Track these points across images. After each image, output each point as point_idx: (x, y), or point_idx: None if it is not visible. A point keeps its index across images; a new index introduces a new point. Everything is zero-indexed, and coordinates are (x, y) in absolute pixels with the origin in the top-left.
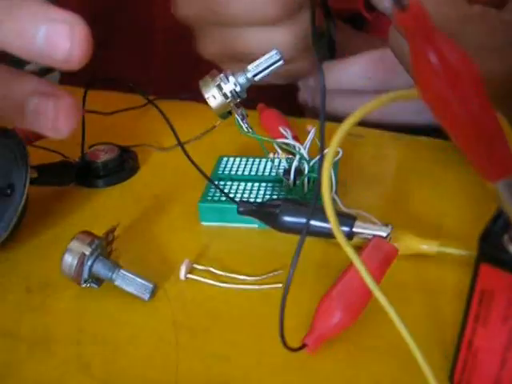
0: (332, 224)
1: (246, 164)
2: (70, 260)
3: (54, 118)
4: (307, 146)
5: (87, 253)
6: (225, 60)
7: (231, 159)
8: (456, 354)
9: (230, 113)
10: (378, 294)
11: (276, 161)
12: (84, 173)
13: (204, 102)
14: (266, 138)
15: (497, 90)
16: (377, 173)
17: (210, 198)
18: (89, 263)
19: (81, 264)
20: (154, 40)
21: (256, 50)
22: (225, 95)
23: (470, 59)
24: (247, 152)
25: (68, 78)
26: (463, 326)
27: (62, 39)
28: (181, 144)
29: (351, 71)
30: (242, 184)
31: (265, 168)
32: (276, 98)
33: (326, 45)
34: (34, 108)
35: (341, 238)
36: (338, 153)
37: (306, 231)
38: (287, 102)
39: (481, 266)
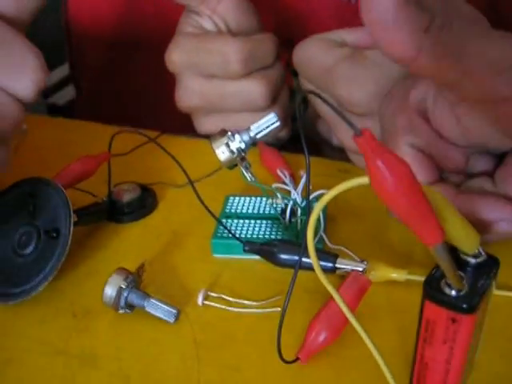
0: (315, 267)
1: (249, 203)
2: (109, 292)
3: None
4: (299, 192)
5: (123, 286)
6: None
7: (237, 198)
8: (413, 366)
9: (235, 165)
10: (351, 319)
11: (274, 203)
12: (111, 210)
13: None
14: (266, 187)
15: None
16: (361, 206)
17: (220, 234)
18: (125, 294)
19: (118, 295)
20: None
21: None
22: (232, 151)
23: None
24: (252, 188)
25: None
26: (416, 345)
27: None
28: (192, 184)
29: None
30: (247, 221)
31: (265, 207)
32: None
33: (301, 100)
34: None
35: (322, 278)
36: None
37: (298, 267)
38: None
39: (425, 303)
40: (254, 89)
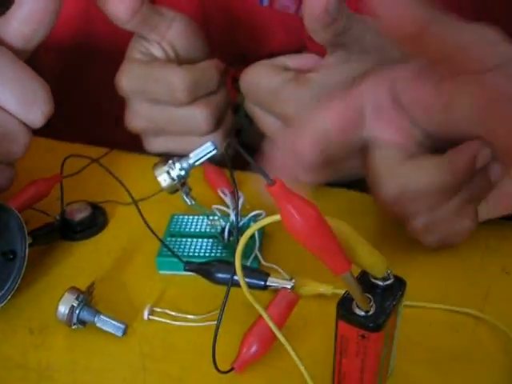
0: (243, 288)
1: (192, 221)
2: (62, 310)
3: None
4: (237, 213)
5: (75, 305)
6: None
7: (181, 217)
8: (333, 375)
9: (177, 190)
10: (278, 335)
11: (213, 224)
12: (64, 229)
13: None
14: (205, 210)
15: None
16: None
17: (164, 253)
18: (77, 312)
19: (71, 313)
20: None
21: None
22: (172, 178)
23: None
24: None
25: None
26: (334, 357)
27: None
28: (136, 204)
29: None
30: (189, 240)
31: (207, 226)
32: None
33: (243, 115)
34: None
35: (250, 297)
36: (261, 215)
37: (229, 286)
38: None
39: (338, 321)
40: (198, 115)
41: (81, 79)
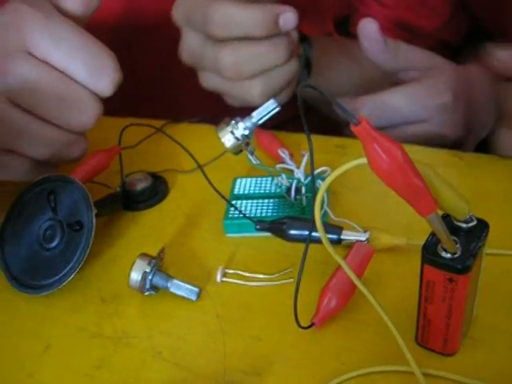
0: (323, 240)
1: (256, 183)
2: (135, 277)
3: None
4: (302, 170)
5: (148, 270)
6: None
7: (244, 180)
8: (417, 323)
9: (241, 150)
10: (359, 285)
11: (279, 183)
12: (126, 199)
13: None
14: (270, 168)
15: None
16: (360, 180)
17: (231, 215)
18: (149, 277)
19: (144, 279)
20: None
21: None
22: (237, 138)
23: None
24: (256, 169)
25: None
26: (419, 304)
27: None
28: (201, 168)
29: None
30: (255, 201)
31: (271, 186)
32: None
33: (303, 64)
34: None
35: (330, 249)
36: (326, 171)
37: (308, 240)
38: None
39: (424, 266)
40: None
41: (127, 57)
